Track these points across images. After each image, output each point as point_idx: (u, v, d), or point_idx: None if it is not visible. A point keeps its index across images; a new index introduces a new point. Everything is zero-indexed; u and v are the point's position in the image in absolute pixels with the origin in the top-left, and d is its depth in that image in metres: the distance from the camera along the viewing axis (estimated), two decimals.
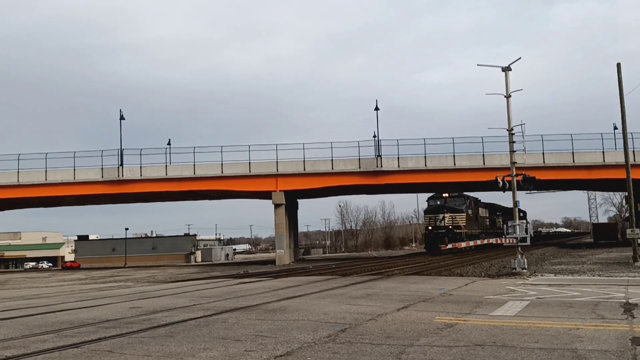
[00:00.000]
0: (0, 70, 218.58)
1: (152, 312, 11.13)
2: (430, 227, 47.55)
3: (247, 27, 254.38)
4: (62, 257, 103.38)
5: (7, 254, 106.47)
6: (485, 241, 46.61)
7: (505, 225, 58.89)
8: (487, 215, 57.97)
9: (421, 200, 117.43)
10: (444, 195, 47.92)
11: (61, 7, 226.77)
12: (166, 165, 47.53)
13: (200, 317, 10.22)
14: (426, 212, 49.36)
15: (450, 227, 45.92)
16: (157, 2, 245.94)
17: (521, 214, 68.63)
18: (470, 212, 49.01)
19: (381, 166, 46.91)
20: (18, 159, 47.08)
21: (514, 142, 21.73)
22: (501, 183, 21.79)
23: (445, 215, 46.51)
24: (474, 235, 47.92)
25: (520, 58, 22.04)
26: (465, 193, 49.98)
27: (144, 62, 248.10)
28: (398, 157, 47.32)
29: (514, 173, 21.61)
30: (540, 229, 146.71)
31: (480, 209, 54.33)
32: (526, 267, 20.79)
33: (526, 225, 21.31)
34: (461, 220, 46.57)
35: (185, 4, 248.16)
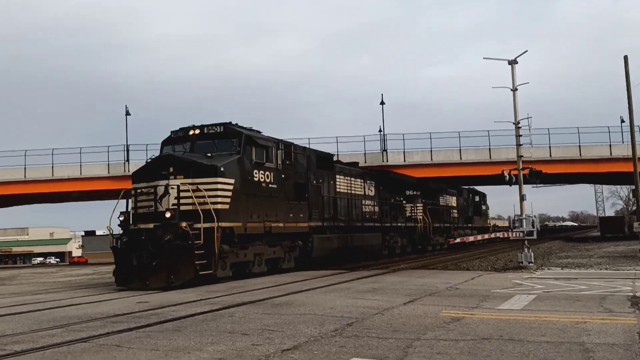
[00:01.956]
0: (9, 70, 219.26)
1: (159, 306, 11.18)
2: (121, 218, 17.50)
3: (254, 25, 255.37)
4: (70, 253, 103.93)
5: (15, 249, 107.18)
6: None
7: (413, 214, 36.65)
8: (371, 192, 28.70)
9: None
10: (191, 132, 18.88)
11: (68, 6, 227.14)
12: None
13: (207, 311, 10.26)
14: (136, 176, 18.29)
15: (171, 215, 16.09)
16: (164, 1, 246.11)
17: (477, 198, 53.04)
18: (260, 175, 19.04)
19: (387, 160, 46.76)
20: (25, 155, 47.19)
21: (521, 135, 21.66)
22: (508, 177, 21.73)
23: (170, 184, 16.63)
24: (277, 236, 20.00)
25: (527, 51, 21.91)
26: (260, 132, 20.53)
27: (151, 60, 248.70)
28: (404, 152, 47.14)
29: (521, 167, 21.54)
30: (547, 222, 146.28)
31: (337, 177, 25.23)
32: (533, 260, 20.75)
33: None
34: (213, 198, 16.61)
35: (192, 2, 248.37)
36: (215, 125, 19.03)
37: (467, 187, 50.12)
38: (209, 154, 17.69)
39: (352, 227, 25.98)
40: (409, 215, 34.56)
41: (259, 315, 9.71)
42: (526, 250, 20.72)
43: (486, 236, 33.02)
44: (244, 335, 7.82)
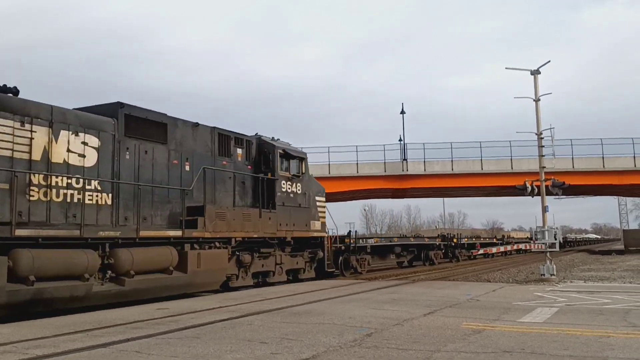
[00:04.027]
0: (30, 79, 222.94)
1: (179, 313, 11.22)
2: None
3: (273, 35, 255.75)
4: None
5: None
6: None
7: None
8: None
9: (447, 204, 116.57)
10: None
11: (89, 16, 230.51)
12: None
13: (226, 319, 10.27)
14: None
15: None
16: (184, 10, 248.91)
17: (277, 160, 18.57)
18: None
19: (407, 170, 46.66)
20: None
21: (543, 146, 21.43)
22: (530, 188, 21.51)
23: None
24: None
25: (549, 61, 21.64)
26: None
27: (170, 70, 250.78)
28: (424, 161, 47.03)
29: (543, 178, 21.30)
30: (569, 235, 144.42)
31: None
32: (555, 273, 20.48)
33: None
34: None
35: (212, 12, 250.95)
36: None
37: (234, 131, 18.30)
38: None
39: None
40: None
41: (278, 323, 9.70)
42: (548, 262, 20.45)
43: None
44: (263, 344, 7.81)
